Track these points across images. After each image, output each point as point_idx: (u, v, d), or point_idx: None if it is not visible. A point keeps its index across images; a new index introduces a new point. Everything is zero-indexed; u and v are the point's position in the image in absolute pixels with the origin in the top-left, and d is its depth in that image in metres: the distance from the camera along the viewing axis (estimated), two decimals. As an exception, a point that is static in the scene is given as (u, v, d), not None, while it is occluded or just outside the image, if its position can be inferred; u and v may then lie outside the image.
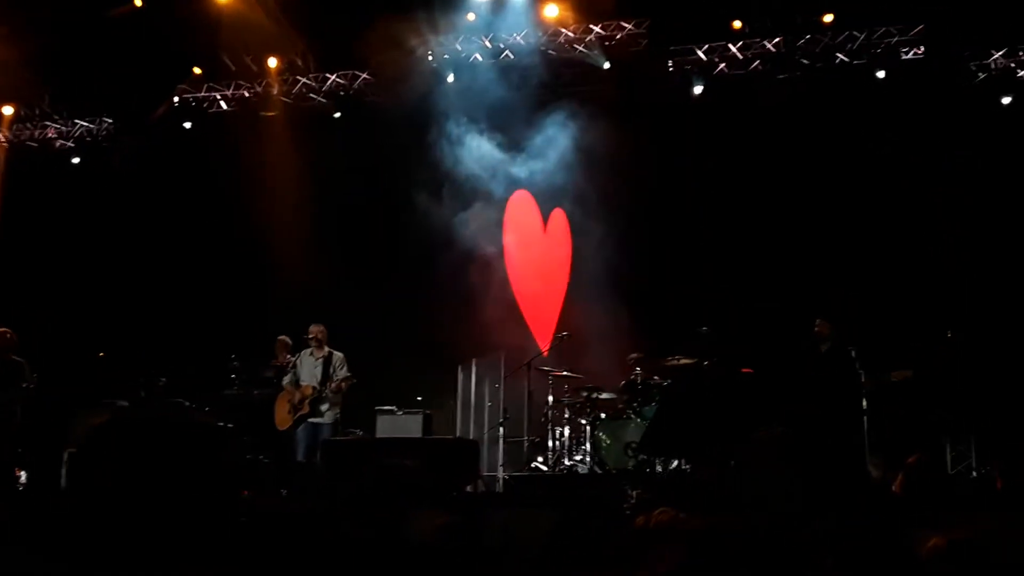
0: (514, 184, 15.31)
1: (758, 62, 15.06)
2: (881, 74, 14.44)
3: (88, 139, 17.72)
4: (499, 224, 15.56)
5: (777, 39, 14.84)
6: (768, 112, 14.57)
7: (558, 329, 14.40)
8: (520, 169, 15.12)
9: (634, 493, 9.94)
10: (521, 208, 15.87)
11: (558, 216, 15.73)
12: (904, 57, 14.52)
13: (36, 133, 17.78)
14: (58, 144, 17.82)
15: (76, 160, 17.62)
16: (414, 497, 5.71)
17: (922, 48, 14.40)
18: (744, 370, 11.65)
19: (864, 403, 11.08)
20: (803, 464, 9.68)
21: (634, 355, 12.77)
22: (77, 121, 17.63)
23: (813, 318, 11.76)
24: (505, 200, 15.50)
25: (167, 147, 16.81)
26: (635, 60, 15.30)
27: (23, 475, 12.28)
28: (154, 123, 16.68)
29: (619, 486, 10.48)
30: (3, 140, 17.63)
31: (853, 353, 11.36)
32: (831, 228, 14.03)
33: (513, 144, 15.08)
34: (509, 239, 15.75)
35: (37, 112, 17.48)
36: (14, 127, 17.60)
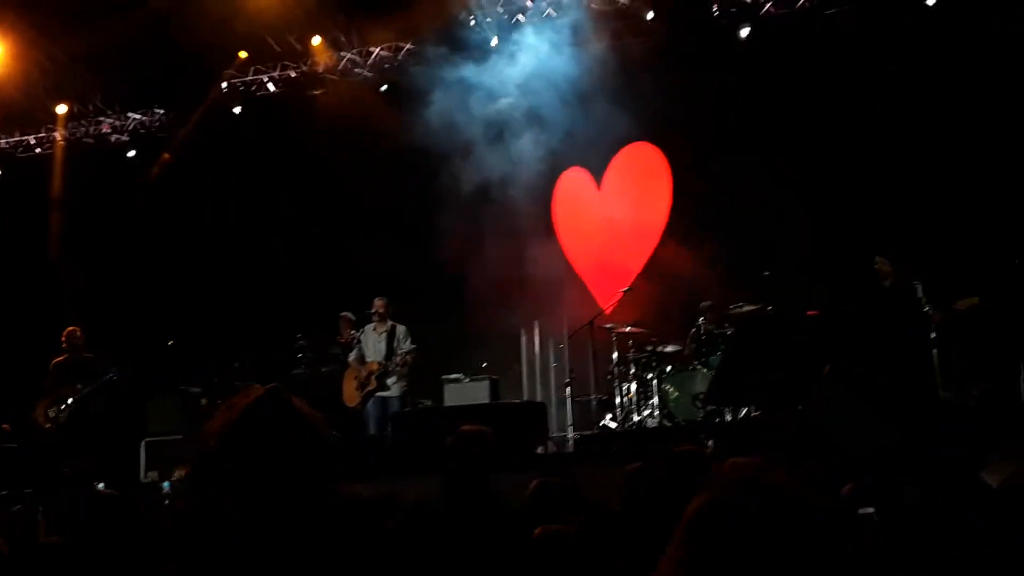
0: (564, 143, 15.14)
1: (804, -1, 14.77)
2: (931, 1, 14.06)
3: (142, 131, 17.91)
4: (550, 194, 15.52)
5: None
6: (818, 50, 14.28)
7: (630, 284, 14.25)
8: (567, 125, 14.94)
9: (710, 443, 9.91)
10: (570, 179, 15.78)
11: (631, 157, 15.58)
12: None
13: (91, 129, 17.99)
14: (113, 139, 18.03)
15: (131, 153, 17.81)
16: (493, 463, 5.72)
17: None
18: (810, 312, 11.51)
19: (933, 335, 10.89)
20: (876, 402, 9.59)
21: (704, 303, 12.68)
22: (130, 114, 17.81)
23: (874, 256, 11.55)
24: (557, 163, 15.38)
25: (219, 132, 16.93)
26: (679, 6, 15.09)
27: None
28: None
29: (691, 438, 10.45)
30: (60, 138, 17.86)
31: (919, 288, 11.17)
32: (888, 163, 13.74)
33: (563, 104, 14.93)
34: (559, 212, 15.70)
35: (91, 108, 17.70)
36: (69, 125, 17.83)
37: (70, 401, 12.43)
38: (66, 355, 12.82)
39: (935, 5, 14.00)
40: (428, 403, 13.38)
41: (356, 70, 16.55)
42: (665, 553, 1.89)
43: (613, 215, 15.45)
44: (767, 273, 12.04)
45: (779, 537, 1.76)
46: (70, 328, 12.93)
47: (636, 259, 15.08)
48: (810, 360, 10.69)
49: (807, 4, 14.75)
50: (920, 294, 11.09)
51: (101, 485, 10.48)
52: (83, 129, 17.99)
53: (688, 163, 14.44)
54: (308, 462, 2.09)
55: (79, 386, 12.45)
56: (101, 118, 17.86)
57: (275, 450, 2.05)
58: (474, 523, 5.22)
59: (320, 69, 16.52)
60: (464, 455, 5.71)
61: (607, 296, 14.08)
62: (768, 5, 14.92)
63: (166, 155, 16.85)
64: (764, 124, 14.24)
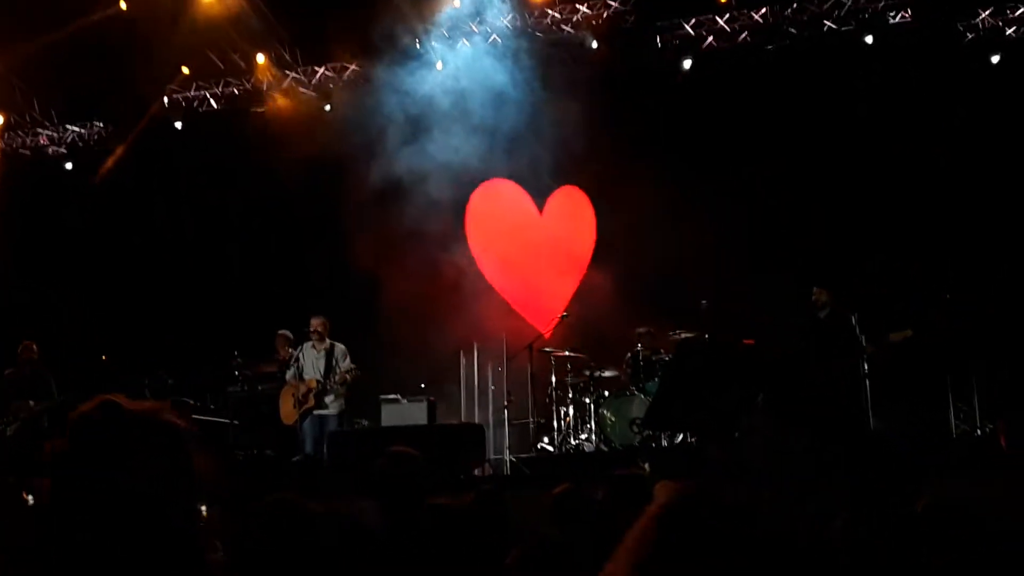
0: (504, 168, 15.26)
1: (746, 34, 15.04)
2: (869, 39, 14.42)
3: (80, 144, 17.71)
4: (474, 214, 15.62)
5: (764, 9, 14.82)
6: (758, 83, 14.56)
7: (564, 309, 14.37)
8: (510, 153, 15.06)
9: (645, 466, 9.99)
10: (495, 198, 15.86)
11: (565, 195, 15.71)
12: (892, 21, 14.50)
13: (28, 140, 17.77)
14: (51, 150, 17.81)
15: (69, 165, 17.61)
16: (424, 484, 5.73)
17: (909, 11, 14.39)
18: (745, 341, 11.65)
19: (865, 367, 11.10)
20: (807, 432, 9.73)
21: (640, 329, 12.80)
22: (68, 127, 17.62)
23: (811, 286, 11.76)
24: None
25: (159, 148, 16.80)
26: (623, 38, 15.29)
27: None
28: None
29: (629, 462, 10.54)
30: (-3, 149, 17.64)
31: (853, 319, 11.38)
32: (824, 195, 14.03)
33: (503, 128, 15.02)
34: (473, 231, 15.78)
35: (28, 119, 17.48)
36: (6, 135, 17.59)
37: (21, 416, 12.31)
38: (18, 368, 12.68)
39: (873, 44, 14.34)
40: (365, 423, 13.33)
41: (301, 89, 16.52)
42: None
43: (552, 241, 15.57)
44: (704, 302, 12.18)
45: (728, 552, 1.80)
46: (26, 342, 12.83)
47: (568, 285, 15.23)
48: (745, 388, 10.81)
49: (748, 40, 15.02)
50: (854, 324, 11.30)
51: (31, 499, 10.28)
52: (19, 140, 17.75)
53: (630, 189, 14.57)
54: (148, 463, 1.97)
55: (31, 403, 12.31)
56: (39, 129, 17.64)
57: (109, 453, 1.96)
58: (416, 542, 5.22)
59: (263, 87, 16.46)
60: (396, 477, 5.72)
61: (540, 319, 14.18)
62: (710, 39, 15.16)
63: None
64: (704, 153, 14.46)
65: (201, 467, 2.09)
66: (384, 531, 5.69)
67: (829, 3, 14.55)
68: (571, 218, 15.72)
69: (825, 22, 14.68)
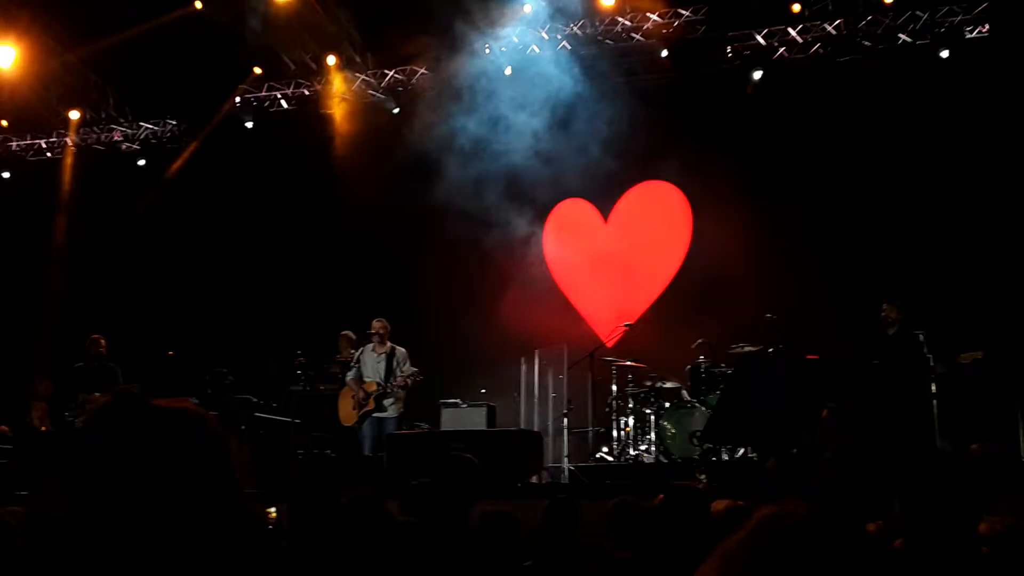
0: (571, 175, 15.22)
1: (819, 45, 14.89)
2: (945, 54, 14.21)
3: (153, 141, 17.98)
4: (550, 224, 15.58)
5: (838, 21, 14.65)
6: (829, 95, 14.41)
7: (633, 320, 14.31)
8: (578, 160, 15.04)
9: (702, 478, 9.92)
10: (568, 210, 15.84)
11: (633, 201, 15.64)
12: (968, 36, 14.27)
13: (103, 136, 18.07)
14: (124, 147, 18.10)
15: (142, 162, 17.88)
16: (478, 488, 5.74)
17: (987, 27, 14.14)
18: (810, 356, 11.51)
19: (933, 387, 10.90)
20: (872, 449, 9.58)
21: (699, 341, 12.71)
22: (142, 124, 17.89)
23: (881, 302, 11.57)
24: (562, 194, 15.45)
25: (229, 146, 17.00)
26: (693, 47, 15.22)
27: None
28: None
29: (687, 474, 10.46)
30: (71, 144, 17.93)
31: (921, 337, 11.19)
32: (897, 210, 13.82)
33: (572, 135, 15.00)
34: (551, 244, 15.77)
35: (103, 115, 17.78)
36: (81, 131, 17.91)
37: (89, 408, 12.50)
38: (87, 362, 12.91)
39: (949, 59, 14.12)
40: (425, 426, 13.35)
41: (369, 91, 16.63)
42: None
43: (622, 251, 15.51)
44: (769, 315, 12.05)
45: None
46: (93, 336, 13.07)
47: (644, 297, 15.14)
48: (808, 404, 10.68)
49: (820, 51, 14.86)
50: (923, 342, 11.10)
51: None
52: (95, 136, 18.07)
53: (695, 203, 14.49)
54: (172, 462, 1.85)
55: (99, 395, 12.52)
56: (113, 126, 17.93)
57: (132, 460, 1.83)
58: (443, 548, 5.22)
59: (334, 88, 16.58)
60: (449, 480, 5.73)
61: (607, 329, 14.11)
62: (782, 49, 15.02)
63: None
64: (772, 166, 14.33)
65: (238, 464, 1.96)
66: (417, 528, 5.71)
67: (904, 16, 14.34)
68: (652, 223, 15.60)
69: (900, 35, 14.48)
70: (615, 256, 15.54)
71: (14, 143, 18.20)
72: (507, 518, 5.66)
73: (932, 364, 11.07)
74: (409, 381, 12.57)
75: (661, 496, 5.26)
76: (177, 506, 1.82)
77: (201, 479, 1.86)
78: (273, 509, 7.61)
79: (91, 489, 1.84)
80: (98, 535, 1.82)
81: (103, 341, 13.12)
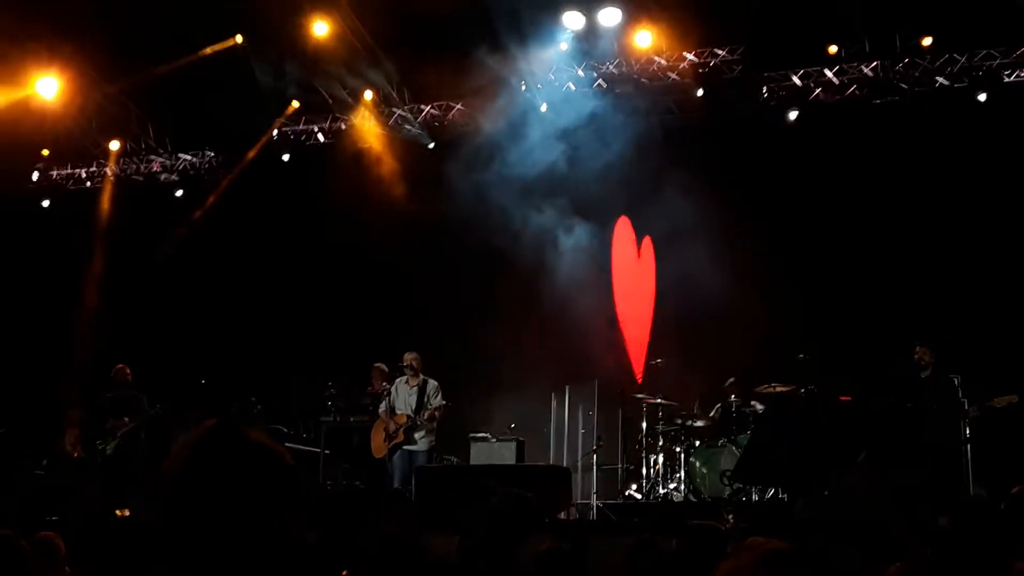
0: (608, 212, 15.28)
1: (854, 87, 14.88)
2: (982, 97, 14.17)
3: (191, 172, 18.17)
4: (592, 253, 15.54)
5: (875, 63, 14.64)
6: (866, 137, 14.39)
7: (650, 356, 14.32)
8: (614, 197, 15.09)
9: (730, 518, 9.85)
10: (622, 235, 15.90)
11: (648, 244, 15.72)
12: (1007, 80, 14.22)
13: (142, 167, 18.29)
14: (163, 177, 18.30)
15: (179, 193, 18.06)
16: (528, 525, 5.73)
17: (1025, 70, 14.12)
18: (843, 398, 11.45)
19: (967, 431, 10.80)
20: (904, 493, 9.50)
21: (731, 380, 12.66)
22: (181, 155, 18.10)
23: (914, 345, 11.49)
24: (599, 225, 15.47)
25: (266, 179, 17.15)
26: (729, 87, 15.25)
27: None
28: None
29: (715, 513, 10.39)
30: (111, 174, 18.15)
31: (956, 380, 11.10)
32: (932, 253, 13.75)
33: (606, 172, 15.04)
34: (616, 263, 15.82)
35: (143, 146, 18.00)
36: (121, 161, 18.13)
37: (118, 434, 12.68)
38: (114, 391, 13.10)
39: (986, 102, 14.08)
40: (454, 460, 13.36)
41: (406, 126, 16.76)
42: None
43: (639, 287, 15.63)
44: (802, 356, 11.99)
45: None
46: (119, 365, 13.30)
47: (672, 334, 15.16)
48: (839, 445, 10.62)
49: (856, 93, 14.85)
50: (957, 386, 11.01)
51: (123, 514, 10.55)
52: (133, 166, 18.28)
53: (730, 239, 14.44)
54: (266, 494, 1.97)
55: (126, 419, 12.65)
56: (152, 156, 18.14)
57: (229, 484, 1.95)
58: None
59: (370, 123, 16.71)
60: (502, 515, 5.71)
61: (639, 365, 14.12)
62: (818, 91, 15.02)
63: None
64: (809, 204, 14.30)
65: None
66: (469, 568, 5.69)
67: (942, 59, 14.32)
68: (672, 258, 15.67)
69: (937, 78, 14.45)
70: (645, 290, 15.59)
71: (55, 172, 18.44)
72: (565, 554, 5.65)
73: (966, 408, 10.98)
74: (437, 414, 12.60)
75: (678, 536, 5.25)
76: (252, 528, 1.93)
77: (275, 506, 1.98)
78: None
79: (190, 505, 1.94)
80: (185, 546, 1.92)
81: (128, 370, 13.38)
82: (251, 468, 1.97)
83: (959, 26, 13.88)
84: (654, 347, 14.80)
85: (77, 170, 18.49)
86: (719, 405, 12.77)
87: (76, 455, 12.95)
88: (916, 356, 11.37)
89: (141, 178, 18.39)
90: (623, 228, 15.86)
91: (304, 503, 2.08)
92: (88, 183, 18.50)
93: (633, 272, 15.79)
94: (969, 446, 10.87)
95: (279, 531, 1.96)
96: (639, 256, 15.80)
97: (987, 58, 14.18)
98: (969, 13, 13.69)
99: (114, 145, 17.79)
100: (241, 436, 2.02)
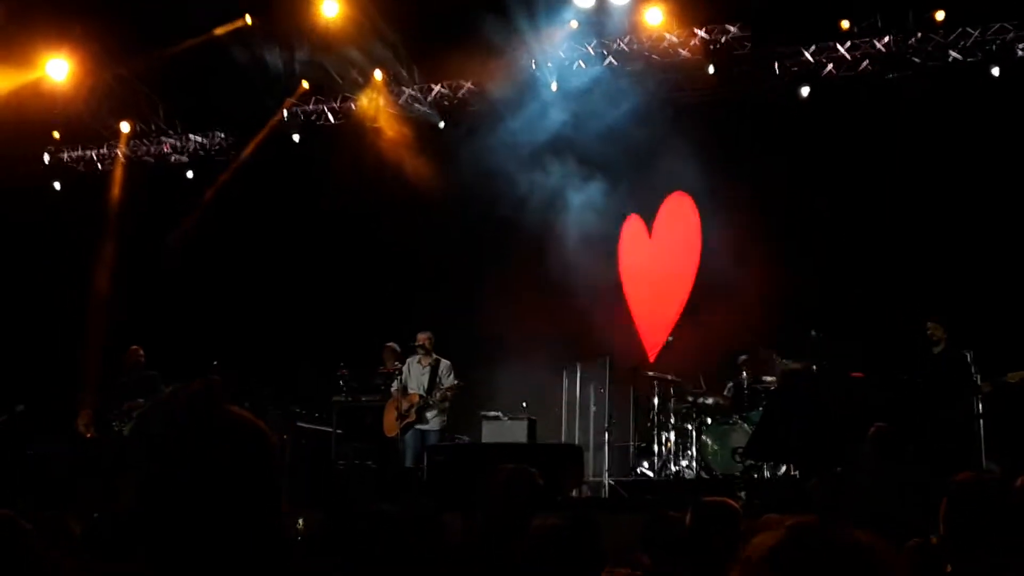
0: (616, 191, 15.21)
1: (867, 62, 14.76)
2: (996, 71, 14.06)
3: (201, 153, 18.16)
4: (605, 233, 15.51)
5: (887, 38, 14.53)
6: (878, 112, 14.30)
7: (670, 333, 14.27)
8: (623, 176, 15.04)
9: (742, 495, 9.85)
10: (629, 227, 15.85)
11: (669, 210, 15.63)
12: (1020, 54, 14.09)
13: (152, 148, 18.29)
14: (173, 159, 18.30)
15: (190, 174, 18.06)
16: (538, 503, 5.73)
17: (1040, 44, 13.99)
18: (854, 374, 11.41)
19: (980, 407, 10.76)
20: (916, 469, 9.47)
21: (743, 356, 12.63)
22: (191, 136, 18.09)
23: (926, 320, 11.44)
24: (610, 205, 15.41)
25: (277, 159, 17.14)
26: (741, 63, 15.17)
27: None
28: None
29: (727, 491, 10.39)
30: (121, 155, 18.16)
31: (968, 356, 11.05)
32: (944, 229, 13.68)
33: (616, 150, 14.99)
34: (623, 260, 15.81)
35: (153, 128, 18.00)
36: (131, 143, 18.14)
37: (134, 415, 12.71)
38: (128, 372, 13.13)
39: (1000, 76, 13.98)
40: (466, 439, 13.38)
41: (416, 105, 16.72)
42: None
43: (660, 264, 15.50)
44: (814, 332, 11.95)
45: None
46: (133, 347, 13.32)
47: (673, 308, 15.07)
48: (852, 422, 10.58)
49: (869, 68, 14.75)
50: (970, 362, 10.96)
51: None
52: (144, 148, 18.29)
53: (742, 215, 14.39)
54: (240, 468, 1.89)
55: (141, 400, 12.69)
56: (163, 138, 18.14)
57: (201, 457, 1.87)
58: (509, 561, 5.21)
59: (380, 102, 16.68)
60: (509, 493, 5.71)
61: (652, 344, 14.07)
62: (830, 66, 14.92)
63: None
64: (821, 180, 14.24)
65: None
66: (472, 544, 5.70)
67: (955, 33, 14.20)
68: (676, 232, 15.58)
69: (950, 52, 14.33)
70: (656, 270, 15.52)
71: (65, 154, 18.44)
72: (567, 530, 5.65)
73: (979, 383, 10.94)
74: (450, 393, 12.62)
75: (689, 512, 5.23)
76: (227, 507, 1.86)
77: (253, 486, 1.90)
78: (300, 520, 7.65)
79: (160, 479, 1.87)
80: (159, 524, 1.86)
81: (141, 351, 13.40)
82: (224, 440, 1.90)
83: (972, 0, 13.79)
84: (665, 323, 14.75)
85: (88, 152, 18.48)
86: (731, 383, 12.76)
87: (89, 435, 12.99)
88: (928, 332, 11.32)
89: (152, 159, 18.37)
90: (632, 218, 15.83)
91: (280, 482, 1.97)
92: (99, 165, 18.50)
93: (646, 251, 15.74)
94: (982, 421, 10.83)
95: (257, 509, 1.90)
96: (651, 237, 15.74)
97: (1000, 32, 14.04)
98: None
99: (124, 127, 17.79)
100: (214, 409, 1.94)
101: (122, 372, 13.38)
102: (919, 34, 14.32)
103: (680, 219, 15.59)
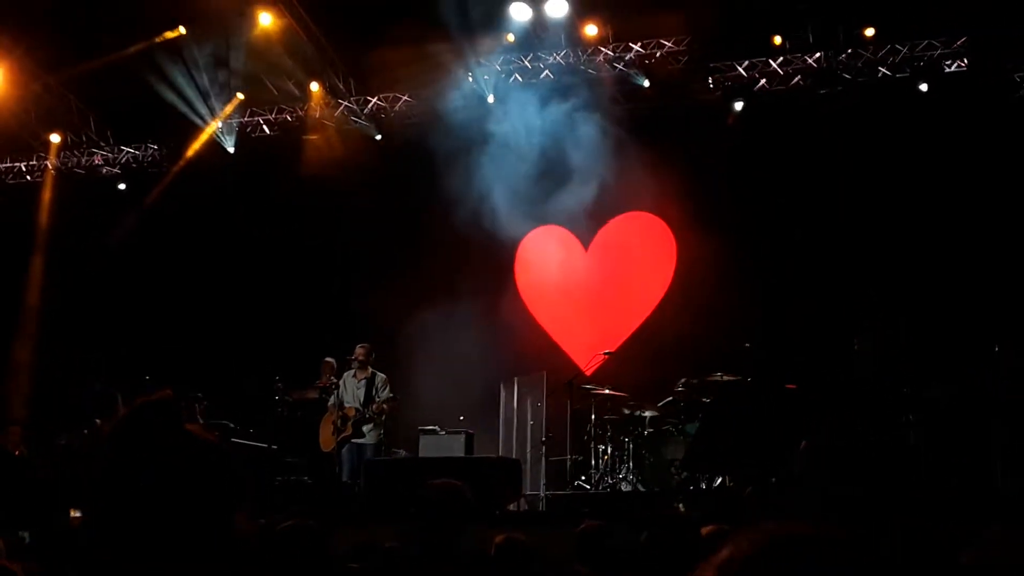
0: (551, 204, 15.25)
1: (799, 77, 14.99)
2: (924, 87, 14.34)
3: (134, 165, 17.93)
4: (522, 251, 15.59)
5: (818, 54, 14.76)
6: (810, 127, 14.51)
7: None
8: (558, 188, 15.10)
9: (680, 507, 9.90)
10: (543, 238, 15.86)
11: (615, 230, 15.69)
12: (947, 70, 14.39)
13: (83, 160, 18.02)
14: (104, 171, 18.04)
15: (122, 186, 17.82)
16: (469, 516, 5.72)
17: (965, 61, 14.27)
18: (788, 386, 11.54)
19: (910, 417, 10.92)
20: (849, 481, 9.60)
21: (683, 380, 12.63)
22: (123, 147, 17.85)
23: (856, 333, 11.60)
24: (542, 219, 15.47)
25: (211, 172, 16.97)
26: (675, 78, 15.31)
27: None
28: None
29: (664, 502, 10.45)
30: (52, 167, 17.88)
31: (897, 369, 11.21)
32: (873, 242, 13.91)
33: (553, 164, 15.06)
34: (522, 271, 15.82)
35: (84, 139, 17.75)
36: (61, 154, 17.86)
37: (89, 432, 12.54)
38: (89, 388, 12.95)
39: (928, 92, 14.25)
40: (403, 453, 13.32)
41: (352, 118, 16.66)
42: None
43: (602, 279, 15.53)
44: (748, 344, 12.07)
45: None
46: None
47: (625, 326, 15.11)
48: (786, 433, 10.70)
49: (801, 83, 14.96)
50: (899, 375, 11.11)
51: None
52: (75, 159, 18.01)
53: (676, 230, 14.54)
54: (187, 476, 1.93)
55: (98, 421, 12.48)
56: (94, 150, 17.88)
57: (148, 467, 1.90)
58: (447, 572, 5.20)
59: (316, 115, 16.61)
60: (440, 507, 5.70)
61: (586, 357, 14.10)
62: (763, 81, 15.12)
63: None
64: (753, 195, 14.40)
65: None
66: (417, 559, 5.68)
67: (884, 50, 14.46)
68: (634, 252, 15.61)
69: (880, 68, 14.60)
70: (595, 284, 15.55)
71: (-6, 165, 18.14)
72: (523, 546, 5.66)
73: (907, 395, 11.09)
74: (385, 407, 12.56)
75: (642, 524, 5.25)
76: (183, 519, 1.90)
77: (210, 497, 1.95)
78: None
79: (115, 489, 1.90)
80: (113, 534, 1.88)
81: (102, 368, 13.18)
82: (171, 452, 1.93)
83: (901, 17, 14.04)
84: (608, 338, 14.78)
85: (17, 164, 18.19)
86: (669, 398, 12.80)
87: (17, 453, 12.71)
88: (856, 346, 11.47)
89: (83, 171, 18.10)
90: (542, 235, 15.85)
91: (235, 490, 2.02)
92: (28, 176, 18.21)
93: (581, 265, 15.78)
94: (912, 431, 10.97)
95: (204, 517, 1.92)
96: (586, 250, 15.79)
97: (928, 48, 14.33)
98: (910, 4, 13.89)
99: (55, 138, 17.53)
100: (163, 421, 1.97)
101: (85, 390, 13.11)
102: (849, 50, 14.58)
103: (644, 238, 15.63)
